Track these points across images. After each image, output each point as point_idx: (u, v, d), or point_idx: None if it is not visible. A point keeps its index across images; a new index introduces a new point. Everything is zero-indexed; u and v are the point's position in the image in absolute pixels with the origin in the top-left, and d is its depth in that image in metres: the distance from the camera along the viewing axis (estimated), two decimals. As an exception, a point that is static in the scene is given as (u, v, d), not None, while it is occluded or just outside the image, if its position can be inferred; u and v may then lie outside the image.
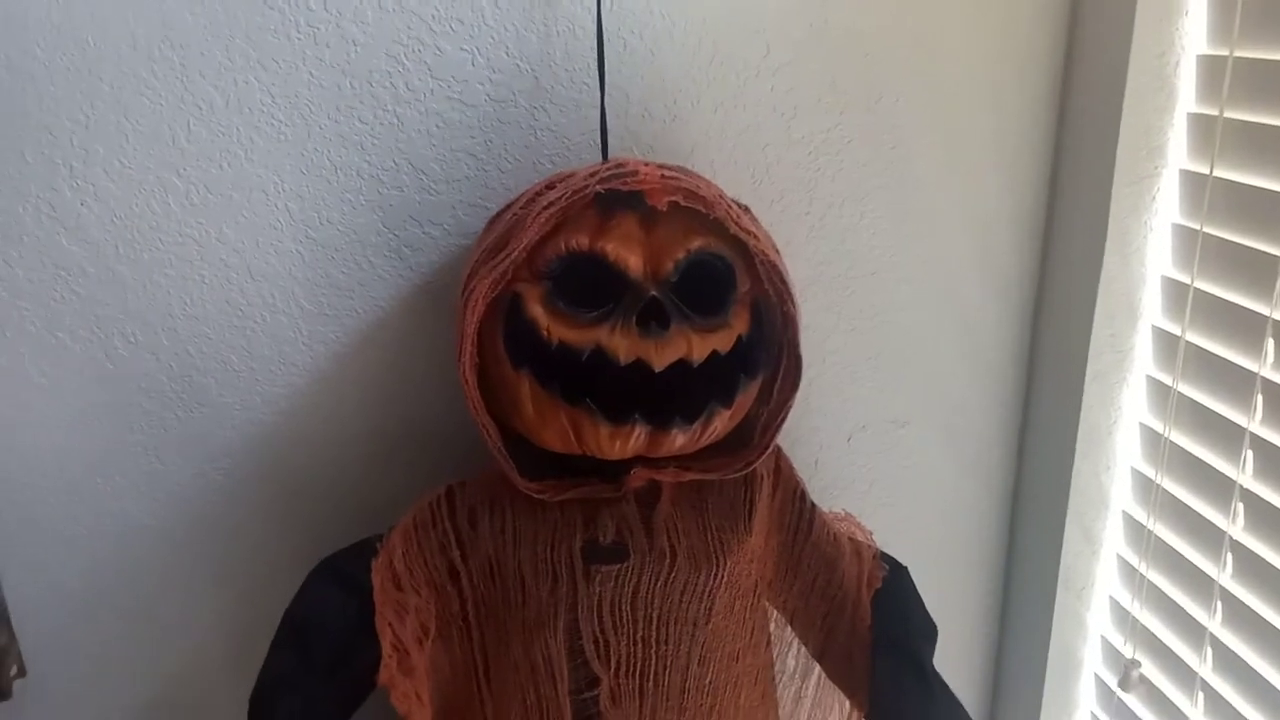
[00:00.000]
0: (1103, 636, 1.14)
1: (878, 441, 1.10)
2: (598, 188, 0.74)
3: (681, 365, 0.75)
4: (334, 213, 0.87)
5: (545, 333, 0.74)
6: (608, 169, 0.75)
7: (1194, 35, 0.92)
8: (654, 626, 0.81)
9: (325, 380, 0.91)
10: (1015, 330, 1.09)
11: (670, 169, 0.77)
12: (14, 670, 0.91)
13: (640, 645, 0.81)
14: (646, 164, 0.76)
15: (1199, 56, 0.92)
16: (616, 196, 0.75)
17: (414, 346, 0.92)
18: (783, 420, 0.82)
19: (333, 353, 0.91)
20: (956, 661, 1.22)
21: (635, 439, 0.76)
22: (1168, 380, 0.99)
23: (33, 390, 0.85)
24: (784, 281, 0.78)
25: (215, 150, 0.83)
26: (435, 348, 0.92)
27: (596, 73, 0.85)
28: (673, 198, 0.74)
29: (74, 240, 0.82)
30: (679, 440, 0.77)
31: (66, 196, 0.81)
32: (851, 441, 1.09)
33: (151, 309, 0.86)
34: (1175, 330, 0.97)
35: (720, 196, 0.77)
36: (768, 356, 0.82)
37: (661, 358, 0.74)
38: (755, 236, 0.77)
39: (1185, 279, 0.95)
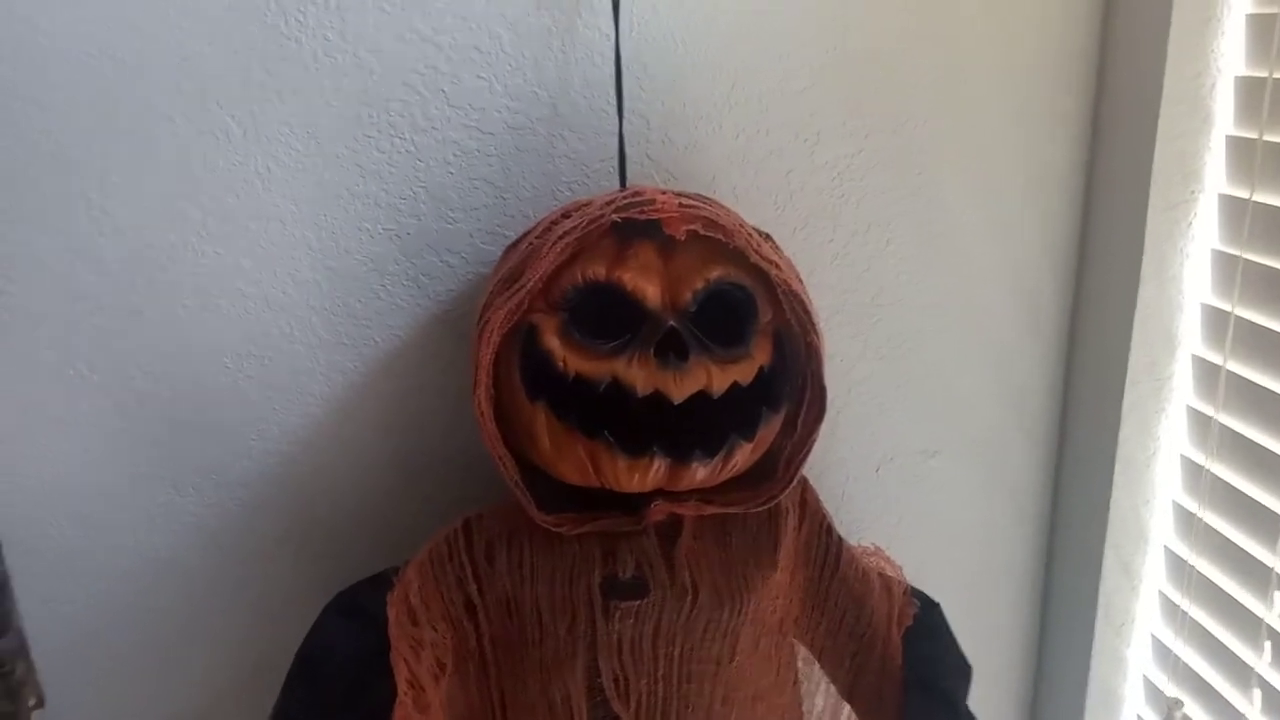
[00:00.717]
0: (1144, 675, 1.10)
1: (907, 472, 1.07)
2: (614, 217, 0.72)
3: (701, 397, 0.73)
4: (352, 242, 0.86)
5: (561, 364, 0.73)
6: (624, 197, 0.74)
7: (1231, 56, 0.89)
8: (675, 665, 0.79)
9: (343, 411, 0.90)
10: (1048, 358, 1.06)
11: (689, 197, 0.76)
12: (32, 701, 0.90)
13: (661, 684, 0.79)
14: (664, 192, 0.75)
15: (1237, 78, 0.90)
16: (634, 225, 0.73)
17: (432, 376, 0.91)
18: (807, 453, 0.80)
19: (350, 383, 0.90)
20: (992, 701, 1.18)
21: (654, 472, 0.74)
22: (1209, 411, 0.96)
23: (49, 423, 0.85)
24: (807, 311, 0.76)
25: (233, 180, 0.82)
26: (453, 377, 0.91)
27: (615, 100, 0.84)
28: (691, 226, 0.73)
29: (91, 271, 0.82)
30: (699, 473, 0.76)
31: (83, 228, 0.81)
32: (880, 473, 1.06)
33: (169, 340, 0.85)
34: (1216, 359, 0.94)
35: (740, 224, 0.75)
36: (791, 388, 0.80)
37: (680, 389, 0.72)
38: (777, 265, 0.75)
39: (1226, 306, 0.92)
